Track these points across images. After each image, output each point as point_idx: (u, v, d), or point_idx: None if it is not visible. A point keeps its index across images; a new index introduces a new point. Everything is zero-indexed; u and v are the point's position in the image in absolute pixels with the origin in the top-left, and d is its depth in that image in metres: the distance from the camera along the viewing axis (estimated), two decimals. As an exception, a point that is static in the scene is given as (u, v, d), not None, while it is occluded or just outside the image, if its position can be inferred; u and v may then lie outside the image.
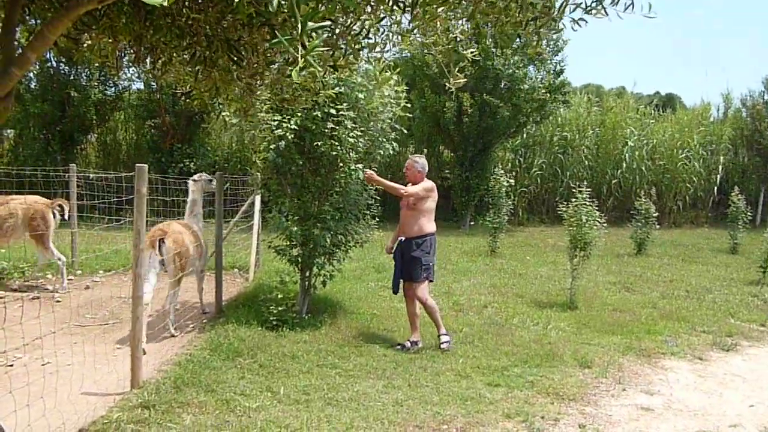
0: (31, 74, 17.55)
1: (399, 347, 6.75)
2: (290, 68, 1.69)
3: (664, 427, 4.83)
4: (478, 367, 6.11)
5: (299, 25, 1.60)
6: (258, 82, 2.83)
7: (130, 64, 2.96)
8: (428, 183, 6.92)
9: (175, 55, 2.83)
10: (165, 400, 4.81)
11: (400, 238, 6.92)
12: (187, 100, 2.88)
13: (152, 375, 5.47)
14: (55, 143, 17.68)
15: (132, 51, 2.82)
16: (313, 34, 1.71)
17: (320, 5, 1.93)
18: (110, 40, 2.60)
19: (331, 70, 2.65)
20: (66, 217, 9.39)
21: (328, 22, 2.17)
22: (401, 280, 6.95)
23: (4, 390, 4.65)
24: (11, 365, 5.69)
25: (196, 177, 8.12)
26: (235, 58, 2.24)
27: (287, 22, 1.85)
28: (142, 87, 18.83)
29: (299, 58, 1.65)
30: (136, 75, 17.14)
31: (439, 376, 5.80)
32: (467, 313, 8.42)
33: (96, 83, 17.88)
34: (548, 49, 18.27)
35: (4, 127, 19.73)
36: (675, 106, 28.20)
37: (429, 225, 6.90)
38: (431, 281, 7.03)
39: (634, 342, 7.15)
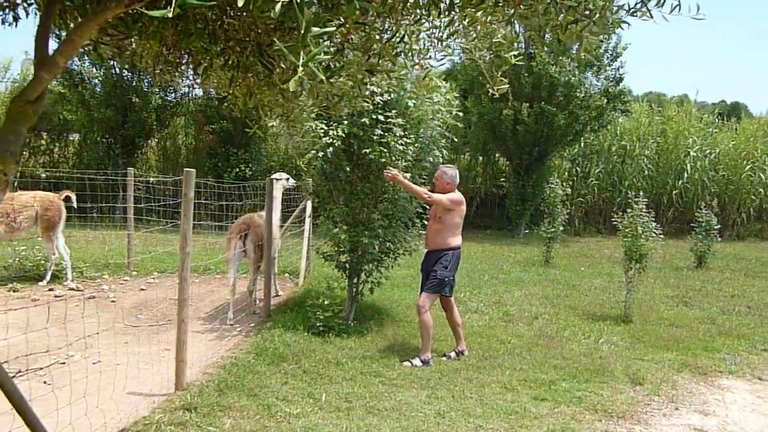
0: (96, 80, 18.09)
1: (444, 357, 6.66)
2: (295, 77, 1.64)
3: (717, 450, 4.62)
4: (524, 380, 5.97)
5: (301, 31, 1.56)
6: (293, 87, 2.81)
7: (171, 69, 2.98)
8: (456, 195, 6.73)
9: (216, 60, 2.84)
10: (207, 403, 4.84)
11: (425, 250, 6.80)
12: (225, 105, 2.89)
13: (197, 377, 5.52)
14: (117, 147, 18.17)
15: (172, 57, 2.84)
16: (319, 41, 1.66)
17: (327, 10, 1.89)
18: (149, 46, 2.62)
19: (368, 74, 2.61)
20: (75, 206, 9.77)
21: (333, 28, 2.12)
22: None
23: (50, 388, 4.75)
24: (63, 363, 5.81)
25: (276, 176, 8.83)
26: (267, 63, 2.22)
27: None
28: (201, 93, 19.21)
29: (299, 67, 1.61)
30: (193, 82, 17.48)
31: (484, 388, 5.69)
32: (517, 323, 8.27)
33: (157, 89, 18.31)
34: (605, 54, 17.95)
35: (70, 132, 20.41)
36: (740, 115, 27.26)
37: (454, 239, 6.74)
38: (435, 293, 6.67)
39: (689, 359, 6.89)
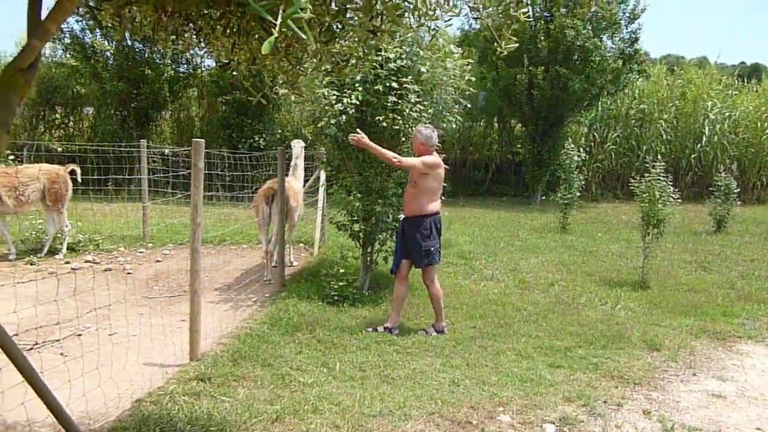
0: (108, 53, 18.03)
1: (422, 332, 6.37)
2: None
3: (736, 416, 4.56)
4: (540, 347, 5.93)
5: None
6: (299, 52, 2.74)
7: (174, 38, 2.91)
8: (431, 158, 6.18)
9: (217, 26, 2.76)
10: (221, 373, 4.84)
11: (400, 217, 6.46)
12: (226, 72, 2.81)
13: (211, 348, 5.53)
14: (130, 120, 18.18)
15: (172, 24, 2.76)
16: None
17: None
18: (146, 13, 2.55)
19: (372, 35, 2.53)
20: (79, 179, 9.70)
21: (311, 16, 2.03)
22: (402, 260, 6.44)
23: (65, 359, 4.78)
24: (80, 335, 5.84)
25: (294, 142, 9.31)
26: (267, 27, 2.15)
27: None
28: (213, 64, 19.10)
29: (277, 26, 1.53)
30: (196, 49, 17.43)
31: (499, 356, 5.65)
32: (533, 291, 8.21)
33: (169, 61, 18.22)
34: (622, 17, 17.65)
35: (84, 105, 20.45)
36: (761, 77, 26.74)
37: (430, 205, 6.27)
38: (432, 264, 6.42)
39: (708, 324, 6.81)
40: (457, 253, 10.47)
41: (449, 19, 2.91)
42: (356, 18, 2.44)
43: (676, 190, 8.68)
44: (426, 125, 6.40)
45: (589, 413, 4.45)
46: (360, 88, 6.83)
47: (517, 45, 2.71)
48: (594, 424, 4.27)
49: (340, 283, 7.17)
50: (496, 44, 2.70)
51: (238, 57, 2.70)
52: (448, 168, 6.89)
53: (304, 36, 1.57)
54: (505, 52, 2.69)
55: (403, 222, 6.46)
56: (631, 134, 21.17)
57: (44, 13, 2.13)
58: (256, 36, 2.48)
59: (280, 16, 1.55)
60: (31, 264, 8.65)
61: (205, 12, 2.47)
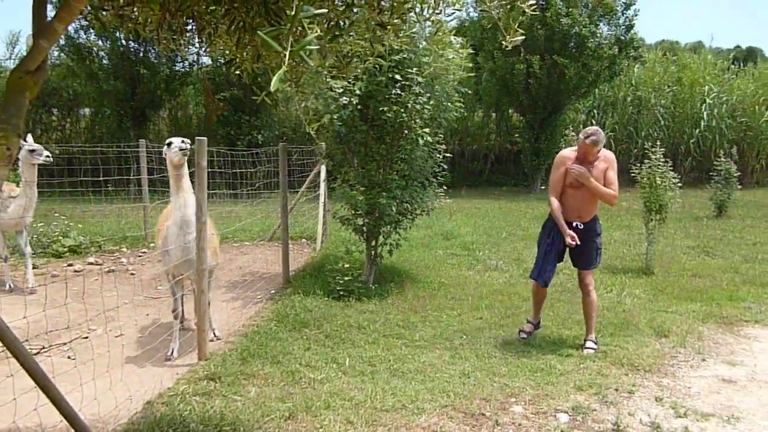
0: (103, 53, 17.97)
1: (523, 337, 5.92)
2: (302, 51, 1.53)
3: (747, 401, 4.56)
4: (548, 337, 5.93)
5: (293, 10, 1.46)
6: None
7: (176, 37, 2.88)
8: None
9: (221, 25, 2.74)
10: (231, 372, 4.83)
11: (576, 223, 5.59)
12: (233, 69, 2.79)
13: (220, 347, 5.51)
14: (127, 120, 18.14)
15: (176, 23, 2.74)
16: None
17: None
18: (151, 12, 2.53)
19: (380, 29, 2.51)
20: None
21: (326, 10, 2.01)
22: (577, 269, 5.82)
23: (74, 363, 4.77)
24: (86, 337, 5.83)
25: (174, 140, 5.45)
26: (274, 23, 2.12)
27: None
28: (209, 61, 19.04)
29: (285, 57, 1.51)
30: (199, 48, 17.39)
31: (508, 347, 5.65)
32: (537, 280, 8.20)
33: (165, 60, 18.17)
34: (618, 2, 17.60)
35: (80, 106, 20.38)
36: (756, 60, 26.69)
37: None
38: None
39: (714, 309, 6.81)
40: (460, 245, 10.46)
41: (452, 13, 2.89)
42: (362, 13, 2.42)
43: (676, 175, 8.67)
44: (589, 132, 5.48)
45: (601, 401, 4.44)
46: (365, 76, 6.76)
47: (523, 38, 2.69)
48: (607, 413, 4.27)
49: (346, 278, 7.15)
50: (501, 38, 2.67)
51: (241, 55, 2.68)
52: (450, 155, 6.66)
53: (310, 62, 1.55)
54: (511, 46, 2.67)
55: (577, 228, 5.57)
56: (629, 121, 21.16)
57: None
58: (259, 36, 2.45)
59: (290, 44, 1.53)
60: (33, 267, 8.61)
61: (210, 9, 2.44)
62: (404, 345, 5.68)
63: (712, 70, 22.12)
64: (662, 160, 8.43)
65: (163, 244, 5.40)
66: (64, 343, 5.55)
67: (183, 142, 5.18)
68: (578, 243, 5.46)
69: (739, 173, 13.96)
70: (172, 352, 5.40)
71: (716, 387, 4.81)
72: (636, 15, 17.89)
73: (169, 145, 5.24)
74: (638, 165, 8.86)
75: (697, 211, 14.30)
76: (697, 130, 20.83)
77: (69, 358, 5.23)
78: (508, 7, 2.67)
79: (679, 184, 8.69)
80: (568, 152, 5.68)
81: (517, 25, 2.71)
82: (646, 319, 6.41)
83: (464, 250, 10.06)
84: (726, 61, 24.02)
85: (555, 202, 5.59)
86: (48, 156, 7.35)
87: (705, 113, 20.79)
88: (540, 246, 5.84)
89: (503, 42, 2.74)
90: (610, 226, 12.57)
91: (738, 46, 43.84)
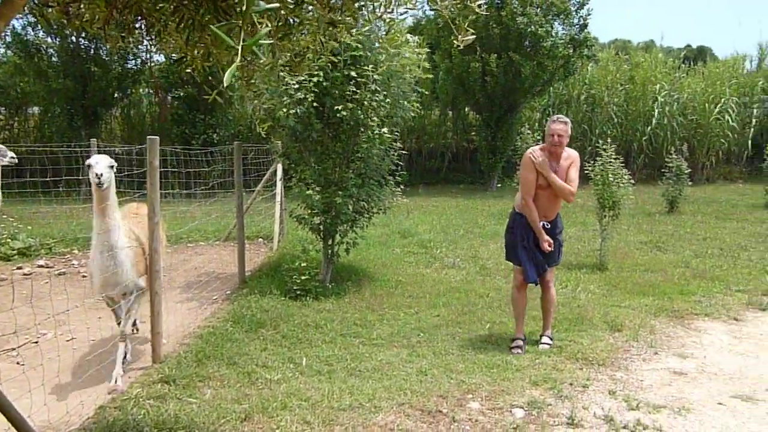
0: (52, 50, 17.55)
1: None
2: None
3: (698, 392, 4.66)
4: (505, 333, 5.99)
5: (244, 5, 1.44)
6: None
7: (125, 35, 2.82)
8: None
9: (170, 22, 2.69)
10: (186, 374, 4.76)
11: (543, 223, 5.59)
12: (183, 67, 2.74)
13: (174, 349, 5.43)
14: (78, 119, 17.75)
15: (124, 20, 2.68)
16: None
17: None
18: (98, 9, 2.47)
19: (330, 26, 2.49)
20: None
21: (277, 5, 2.00)
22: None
23: (21, 369, 4.65)
24: (36, 342, 5.68)
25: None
26: (223, 21, 2.09)
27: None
28: (162, 59, 18.74)
29: (238, 53, 1.50)
30: (153, 47, 17.14)
31: (465, 343, 5.69)
32: (494, 277, 8.28)
33: (116, 57, 17.83)
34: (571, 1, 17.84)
35: (29, 105, 19.86)
36: (706, 59, 27.32)
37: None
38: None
39: (666, 303, 6.95)
40: (417, 242, 10.49)
41: (405, 12, 2.89)
42: (313, 11, 2.40)
43: (629, 172, 8.82)
44: (559, 116, 5.73)
45: (556, 396, 4.50)
46: (320, 73, 6.70)
47: (474, 37, 2.70)
48: (562, 407, 4.32)
49: (303, 277, 7.11)
50: (453, 37, 2.68)
51: (191, 53, 2.63)
52: (407, 153, 6.60)
53: (263, 57, 1.53)
54: (462, 45, 2.68)
55: (545, 227, 5.59)
56: (583, 118, 21.44)
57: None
58: (210, 31, 2.41)
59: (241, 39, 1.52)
60: (-20, 271, 8.38)
61: (159, 7, 2.40)
62: (361, 344, 5.68)
63: (663, 68, 22.56)
64: (614, 157, 8.57)
65: (87, 269, 5.10)
66: (13, 349, 5.41)
67: (98, 164, 4.59)
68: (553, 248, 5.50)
69: (689, 170, 14.28)
70: (116, 381, 4.69)
71: (668, 379, 4.91)
72: (589, 14, 18.17)
73: (89, 167, 4.67)
74: (592, 162, 8.99)
75: (649, 207, 14.58)
76: (649, 128, 21.23)
77: (18, 363, 5.10)
78: (459, 6, 2.67)
79: (632, 181, 8.85)
80: (535, 149, 5.74)
81: (467, 24, 2.73)
82: (600, 313, 6.52)
83: (421, 248, 10.08)
84: (677, 59, 24.51)
85: (533, 209, 5.52)
86: (13, 157, 7.17)
87: (657, 111, 21.19)
88: (520, 254, 5.66)
89: (455, 41, 2.76)
90: (565, 223, 12.71)
91: (689, 45, 44.84)
